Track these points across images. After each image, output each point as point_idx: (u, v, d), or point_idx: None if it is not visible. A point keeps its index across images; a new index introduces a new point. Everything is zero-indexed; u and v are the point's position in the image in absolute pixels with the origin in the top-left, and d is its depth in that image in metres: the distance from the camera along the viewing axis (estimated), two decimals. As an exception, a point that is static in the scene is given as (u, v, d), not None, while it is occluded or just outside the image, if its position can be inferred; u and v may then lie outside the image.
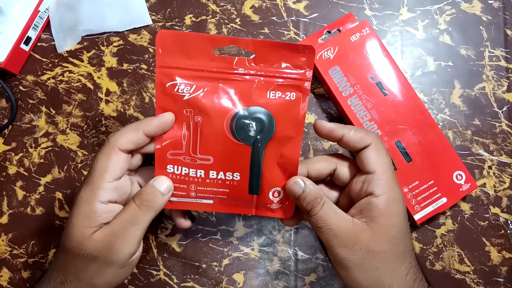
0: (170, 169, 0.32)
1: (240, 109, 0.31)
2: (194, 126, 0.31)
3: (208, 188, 0.32)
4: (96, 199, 0.29)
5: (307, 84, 0.30)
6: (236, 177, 0.32)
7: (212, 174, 0.32)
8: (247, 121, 0.31)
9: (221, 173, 0.32)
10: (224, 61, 0.30)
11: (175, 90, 0.30)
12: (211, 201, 0.33)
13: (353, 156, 0.35)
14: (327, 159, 0.32)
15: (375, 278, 0.28)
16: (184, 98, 0.30)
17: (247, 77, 0.30)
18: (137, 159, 0.32)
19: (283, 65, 0.30)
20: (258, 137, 0.31)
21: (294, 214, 0.33)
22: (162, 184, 0.31)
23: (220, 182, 0.32)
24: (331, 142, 0.42)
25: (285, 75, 0.30)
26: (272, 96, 0.31)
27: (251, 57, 0.30)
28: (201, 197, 0.33)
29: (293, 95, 0.31)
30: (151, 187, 0.30)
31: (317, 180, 0.33)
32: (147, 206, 0.30)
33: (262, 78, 0.30)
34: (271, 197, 0.32)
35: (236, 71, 0.30)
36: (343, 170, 0.32)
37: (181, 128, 0.31)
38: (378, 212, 0.28)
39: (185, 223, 0.35)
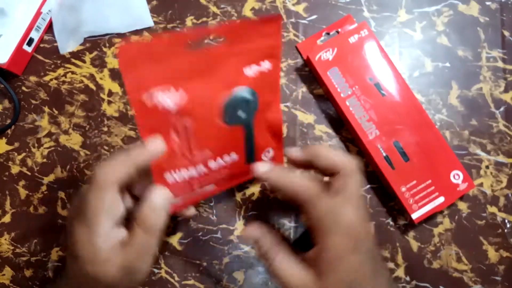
0: (169, 178, 0.31)
1: (225, 96, 0.30)
2: (183, 129, 0.30)
3: (209, 177, 0.33)
4: (95, 236, 0.27)
5: (277, 50, 0.31)
6: (234, 157, 0.33)
7: (211, 164, 0.32)
8: (234, 105, 0.31)
9: (219, 159, 0.32)
10: (195, 55, 0.29)
11: (154, 101, 0.28)
12: (213, 185, 0.34)
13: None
14: (335, 162, 0.30)
15: None
16: (166, 106, 0.29)
17: (223, 62, 0.30)
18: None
19: (253, 39, 0.30)
20: (247, 115, 0.32)
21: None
22: (160, 200, 0.29)
23: (220, 167, 0.33)
24: (330, 142, 0.42)
25: (255, 47, 0.30)
26: (249, 72, 0.31)
27: (221, 40, 0.30)
28: (204, 186, 0.33)
29: (266, 63, 0.31)
30: (150, 209, 0.29)
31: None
32: (155, 229, 0.29)
33: (236, 58, 0.30)
34: (263, 157, 0.34)
35: (210, 61, 0.29)
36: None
37: (170, 138, 0.30)
38: (324, 266, 0.27)
39: (190, 211, 0.35)
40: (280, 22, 0.30)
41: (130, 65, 0.27)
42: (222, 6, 0.45)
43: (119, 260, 0.28)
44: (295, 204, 0.29)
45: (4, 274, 0.41)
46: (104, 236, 0.28)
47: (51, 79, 0.44)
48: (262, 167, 0.31)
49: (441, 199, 0.38)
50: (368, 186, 0.41)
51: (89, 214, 0.28)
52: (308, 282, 0.28)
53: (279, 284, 0.29)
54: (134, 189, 0.32)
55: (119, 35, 0.45)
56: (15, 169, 0.43)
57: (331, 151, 0.30)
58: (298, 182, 0.29)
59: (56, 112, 0.44)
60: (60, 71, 0.45)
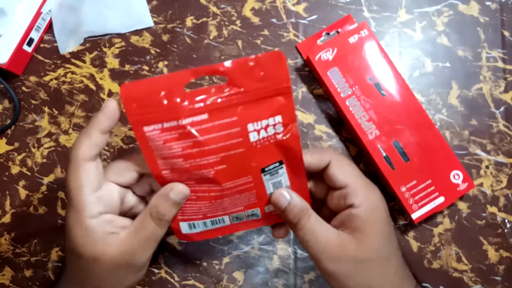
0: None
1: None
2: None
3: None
4: (84, 217, 0.28)
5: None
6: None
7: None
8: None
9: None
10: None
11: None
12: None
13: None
14: (321, 152, 0.31)
15: (365, 284, 0.29)
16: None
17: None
18: (130, 177, 0.31)
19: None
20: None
21: (286, 226, 0.33)
22: (177, 193, 0.29)
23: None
24: (330, 143, 0.42)
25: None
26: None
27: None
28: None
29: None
30: (165, 198, 0.29)
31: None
32: (166, 220, 0.29)
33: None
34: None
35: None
36: (336, 171, 0.31)
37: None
38: (360, 222, 0.29)
39: None
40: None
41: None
42: (222, 6, 0.45)
43: (120, 242, 0.28)
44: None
45: (4, 274, 0.41)
46: (93, 215, 0.28)
47: (51, 79, 0.44)
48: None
49: (441, 199, 0.38)
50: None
51: (71, 193, 0.28)
52: (346, 241, 0.28)
53: (312, 247, 0.29)
54: (136, 188, 0.32)
55: (119, 35, 0.45)
56: (15, 169, 0.43)
57: (307, 153, 0.30)
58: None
59: (56, 112, 0.44)
60: (60, 71, 0.45)
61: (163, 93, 0.27)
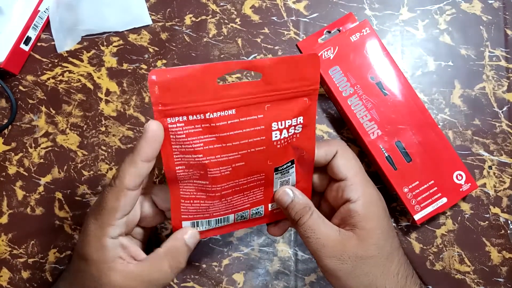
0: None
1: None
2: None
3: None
4: (104, 235, 0.28)
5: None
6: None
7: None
8: None
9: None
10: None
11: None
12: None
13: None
14: (328, 144, 0.31)
15: (367, 283, 0.29)
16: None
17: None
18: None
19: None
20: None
21: (281, 224, 0.34)
22: (191, 237, 0.30)
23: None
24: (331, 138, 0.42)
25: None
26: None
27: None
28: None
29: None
30: (184, 245, 0.30)
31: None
32: (179, 267, 0.30)
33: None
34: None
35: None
36: (340, 162, 0.31)
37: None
38: (359, 217, 0.29)
39: None
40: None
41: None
42: (221, 3, 0.45)
43: (127, 274, 0.28)
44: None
45: (1, 276, 0.41)
46: (113, 236, 0.28)
47: (48, 78, 0.44)
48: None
49: (444, 200, 0.38)
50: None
51: (105, 211, 0.28)
52: (347, 238, 0.28)
53: (313, 244, 0.29)
54: (155, 197, 0.32)
55: (117, 33, 0.44)
56: (12, 170, 0.43)
57: (346, 160, 0.30)
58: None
59: (53, 111, 0.43)
60: (58, 70, 0.44)
61: (193, 84, 0.26)
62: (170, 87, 0.25)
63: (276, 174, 0.30)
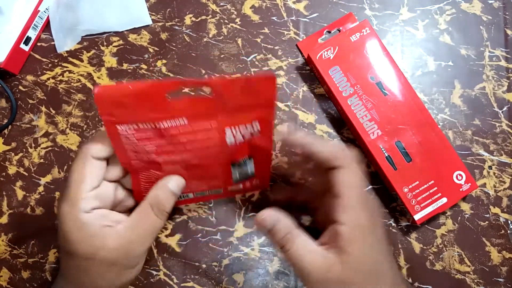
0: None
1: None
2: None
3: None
4: (78, 211, 0.28)
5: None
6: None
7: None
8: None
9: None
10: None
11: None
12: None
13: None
14: (335, 154, 0.30)
15: None
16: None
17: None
18: (117, 171, 0.31)
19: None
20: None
21: (280, 188, 0.35)
22: (175, 185, 0.30)
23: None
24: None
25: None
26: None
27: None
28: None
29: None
30: (165, 191, 0.30)
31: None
32: (166, 212, 0.30)
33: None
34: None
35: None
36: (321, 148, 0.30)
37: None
38: (344, 242, 0.27)
39: None
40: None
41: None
42: (221, 3, 0.45)
43: (118, 236, 0.28)
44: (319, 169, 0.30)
45: (1, 276, 0.41)
46: (87, 210, 0.28)
47: (48, 78, 0.44)
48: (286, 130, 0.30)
49: (444, 200, 0.38)
50: (370, 186, 0.41)
51: (72, 185, 0.28)
52: (331, 263, 0.27)
53: (298, 271, 0.28)
54: (125, 182, 0.32)
55: (117, 33, 0.44)
56: (12, 170, 0.43)
57: (324, 144, 0.29)
58: (330, 146, 0.29)
59: (53, 111, 0.43)
60: (57, 70, 0.44)
61: (141, 100, 0.26)
62: (117, 99, 0.26)
63: (233, 166, 0.33)
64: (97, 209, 0.29)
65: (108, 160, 0.30)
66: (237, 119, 0.30)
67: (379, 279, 0.28)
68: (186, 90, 0.41)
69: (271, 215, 0.29)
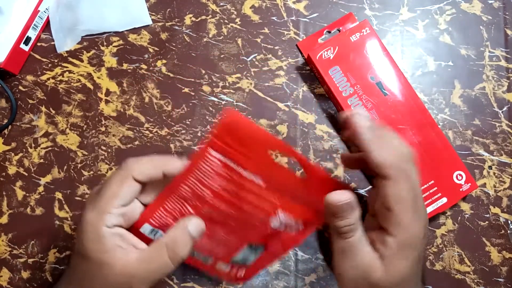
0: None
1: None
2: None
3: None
4: (102, 223, 0.28)
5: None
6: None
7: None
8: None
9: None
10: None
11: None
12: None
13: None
14: (385, 162, 0.28)
15: None
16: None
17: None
18: (152, 197, 0.31)
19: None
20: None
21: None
22: (196, 229, 0.29)
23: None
24: (331, 143, 0.42)
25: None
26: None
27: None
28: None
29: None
30: (187, 235, 0.29)
31: None
32: (181, 257, 0.29)
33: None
34: None
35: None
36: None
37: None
38: (391, 253, 0.27)
39: None
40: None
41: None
42: (221, 3, 0.45)
43: (128, 263, 0.28)
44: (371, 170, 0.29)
45: (1, 276, 0.41)
46: (109, 225, 0.28)
47: (48, 78, 0.44)
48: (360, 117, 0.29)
49: (444, 200, 0.38)
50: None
51: (104, 197, 0.28)
52: (376, 267, 0.28)
53: (346, 260, 0.28)
54: (143, 196, 0.31)
55: (117, 33, 0.44)
56: (12, 170, 0.43)
57: (381, 147, 0.28)
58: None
59: (53, 111, 0.43)
60: (57, 70, 0.44)
61: (249, 141, 0.27)
62: (232, 130, 0.27)
63: (248, 247, 0.33)
64: (118, 227, 0.29)
65: (146, 162, 0.29)
66: (294, 208, 0.30)
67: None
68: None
69: (344, 196, 0.28)
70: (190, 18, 0.45)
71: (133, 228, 0.30)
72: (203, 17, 0.44)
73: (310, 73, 0.43)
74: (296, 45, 0.43)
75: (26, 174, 0.42)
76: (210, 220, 0.30)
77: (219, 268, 0.34)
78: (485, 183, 0.41)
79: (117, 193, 0.28)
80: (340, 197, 0.28)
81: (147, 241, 0.30)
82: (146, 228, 0.30)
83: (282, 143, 0.28)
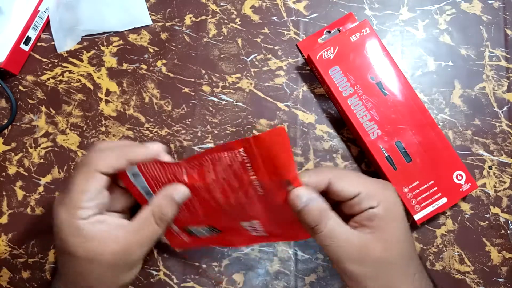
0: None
1: None
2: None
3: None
4: (76, 218, 0.28)
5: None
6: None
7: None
8: None
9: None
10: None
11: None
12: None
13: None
14: (319, 173, 0.29)
15: (387, 285, 0.28)
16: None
17: None
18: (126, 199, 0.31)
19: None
20: None
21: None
22: (179, 194, 0.29)
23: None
24: (331, 142, 0.42)
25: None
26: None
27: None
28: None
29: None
30: (168, 200, 0.29)
31: None
32: (167, 221, 0.29)
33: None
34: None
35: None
36: (341, 185, 0.29)
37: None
38: (380, 221, 0.28)
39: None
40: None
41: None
42: (221, 4, 0.45)
43: (118, 241, 0.28)
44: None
45: (1, 276, 0.41)
46: (84, 217, 0.28)
47: (48, 78, 0.44)
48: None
49: (444, 200, 0.38)
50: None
51: (73, 195, 0.28)
52: (367, 242, 0.28)
53: (332, 253, 0.28)
54: (120, 182, 0.32)
55: (117, 33, 0.44)
56: (12, 170, 0.43)
57: (347, 180, 0.29)
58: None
59: (53, 111, 0.43)
60: (57, 70, 0.44)
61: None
62: (269, 147, 0.27)
63: (208, 227, 0.34)
64: (95, 215, 0.29)
65: (114, 154, 0.29)
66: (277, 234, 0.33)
67: (413, 257, 0.29)
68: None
69: (306, 193, 0.28)
70: (190, 18, 0.45)
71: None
72: (203, 17, 0.44)
73: (310, 73, 0.43)
74: (296, 45, 0.43)
75: (26, 174, 0.42)
76: (194, 191, 0.30)
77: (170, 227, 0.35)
78: (485, 183, 0.41)
79: (84, 189, 0.28)
80: (292, 194, 0.28)
81: (126, 183, 0.30)
82: (132, 170, 0.30)
83: (294, 175, 0.28)
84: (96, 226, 0.28)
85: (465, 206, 0.40)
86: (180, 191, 0.29)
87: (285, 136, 0.26)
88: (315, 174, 0.29)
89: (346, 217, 0.29)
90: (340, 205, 0.30)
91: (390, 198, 0.29)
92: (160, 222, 0.29)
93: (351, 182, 0.29)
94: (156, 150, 0.30)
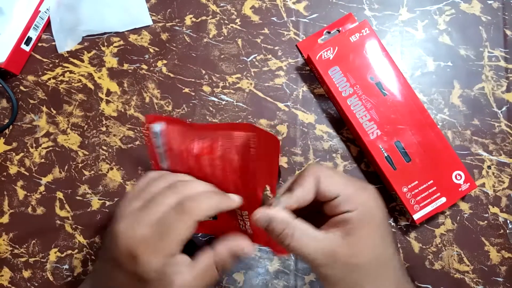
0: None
1: None
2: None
3: None
4: (169, 266, 0.28)
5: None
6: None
7: None
8: None
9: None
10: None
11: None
12: None
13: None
14: (303, 180, 0.30)
15: None
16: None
17: None
18: None
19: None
20: None
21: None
22: (249, 253, 0.31)
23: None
24: (331, 142, 0.42)
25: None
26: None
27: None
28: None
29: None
30: (235, 257, 0.30)
31: None
32: (226, 271, 0.31)
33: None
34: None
35: None
36: (324, 185, 0.29)
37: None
38: (352, 225, 0.28)
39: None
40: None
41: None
42: (221, 4, 0.45)
43: (184, 284, 0.29)
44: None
45: (2, 275, 0.41)
46: (176, 263, 0.29)
47: (49, 79, 0.44)
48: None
49: (443, 200, 0.38)
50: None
51: (171, 243, 0.28)
52: (337, 245, 0.28)
53: (305, 260, 0.28)
54: None
55: (117, 34, 0.45)
56: (13, 169, 0.43)
57: (331, 180, 0.29)
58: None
59: (54, 111, 0.43)
60: (58, 70, 0.44)
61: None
62: (269, 146, 0.30)
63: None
64: (174, 256, 0.29)
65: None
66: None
67: (386, 262, 0.29)
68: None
69: (263, 215, 0.29)
70: (191, 18, 0.45)
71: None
72: (203, 17, 0.45)
73: (310, 73, 0.43)
74: (296, 45, 0.44)
75: (27, 174, 0.43)
76: (198, 165, 0.31)
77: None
78: (484, 183, 0.41)
79: (184, 239, 0.28)
80: (252, 218, 0.29)
81: (147, 138, 0.32)
82: (155, 127, 0.31)
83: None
84: (173, 267, 0.28)
85: (464, 206, 0.41)
86: (243, 250, 0.30)
87: (279, 146, 0.28)
88: (300, 188, 0.29)
89: (327, 217, 0.30)
90: (323, 204, 0.30)
91: (369, 202, 0.29)
92: (221, 272, 0.30)
93: (333, 183, 0.29)
94: (238, 203, 0.31)
